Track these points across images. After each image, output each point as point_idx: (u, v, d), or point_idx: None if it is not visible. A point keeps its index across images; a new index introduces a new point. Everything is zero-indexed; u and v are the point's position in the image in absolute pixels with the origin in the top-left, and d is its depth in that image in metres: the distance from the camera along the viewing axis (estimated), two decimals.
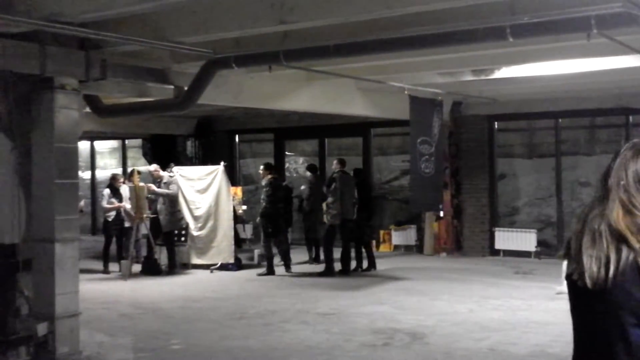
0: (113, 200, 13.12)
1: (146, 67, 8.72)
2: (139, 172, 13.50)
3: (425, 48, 7.45)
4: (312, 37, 7.17)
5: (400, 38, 6.93)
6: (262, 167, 13.42)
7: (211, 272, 13.19)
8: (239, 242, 14.09)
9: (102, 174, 20.59)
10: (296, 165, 18.27)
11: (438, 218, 15.07)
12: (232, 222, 13.37)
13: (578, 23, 6.05)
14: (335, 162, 13.19)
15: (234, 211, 13.64)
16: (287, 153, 18.40)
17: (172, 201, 13.20)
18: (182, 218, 13.37)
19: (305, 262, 14.06)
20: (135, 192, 12.92)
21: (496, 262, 14.07)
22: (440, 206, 13.85)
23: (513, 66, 10.11)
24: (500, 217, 15.19)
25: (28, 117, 7.21)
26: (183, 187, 13.40)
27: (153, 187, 13.23)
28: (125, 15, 6.55)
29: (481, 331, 8.37)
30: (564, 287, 3.48)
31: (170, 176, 13.41)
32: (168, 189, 13.18)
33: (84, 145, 20.15)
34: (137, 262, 13.18)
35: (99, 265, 13.36)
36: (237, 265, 13.43)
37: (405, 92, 11.43)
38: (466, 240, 15.21)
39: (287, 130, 17.76)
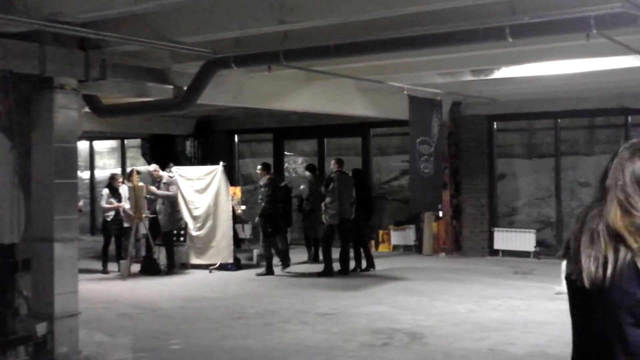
0: (112, 200, 13.12)
1: (146, 67, 8.71)
2: (138, 172, 13.49)
3: (425, 48, 7.46)
4: (312, 37, 7.17)
5: (400, 38, 6.93)
6: (259, 167, 13.42)
7: (210, 272, 13.18)
8: (238, 242, 14.10)
9: (101, 174, 20.59)
10: (295, 165, 18.27)
11: (437, 218, 15.06)
12: (231, 222, 13.38)
13: (578, 23, 6.05)
14: (333, 162, 13.21)
15: (233, 211, 13.65)
16: (286, 153, 18.40)
17: (172, 202, 13.21)
18: (181, 218, 13.37)
19: (304, 262, 14.07)
20: (134, 192, 12.91)
21: (495, 262, 14.07)
22: (440, 206, 13.87)
23: (513, 66, 10.11)
24: (499, 217, 15.18)
25: (27, 116, 7.20)
26: (182, 187, 13.40)
27: (153, 188, 13.22)
28: (125, 15, 6.55)
29: (480, 331, 8.38)
30: (563, 287, 3.47)
31: (170, 176, 13.40)
32: (168, 189, 13.16)
33: (83, 145, 20.14)
34: (136, 262, 13.18)
35: (98, 265, 13.36)
36: (236, 265, 13.43)
37: (405, 92, 11.43)
38: (465, 240, 15.20)
39: (287, 130, 17.75)
